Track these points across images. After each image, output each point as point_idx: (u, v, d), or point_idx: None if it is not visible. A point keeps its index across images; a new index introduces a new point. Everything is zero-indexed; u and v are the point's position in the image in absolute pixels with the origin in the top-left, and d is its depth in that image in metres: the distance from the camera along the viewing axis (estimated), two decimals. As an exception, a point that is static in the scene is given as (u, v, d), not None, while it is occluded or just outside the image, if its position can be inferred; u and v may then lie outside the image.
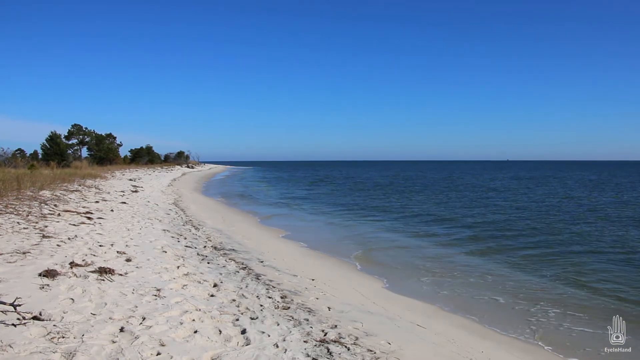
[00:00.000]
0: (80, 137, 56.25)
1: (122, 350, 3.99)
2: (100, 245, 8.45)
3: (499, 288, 8.88)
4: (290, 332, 5.12)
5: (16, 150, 44.69)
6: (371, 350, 4.90)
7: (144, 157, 70.78)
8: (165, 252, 9.00)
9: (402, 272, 10.10)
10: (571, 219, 18.88)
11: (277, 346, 4.62)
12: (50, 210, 11.71)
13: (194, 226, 14.05)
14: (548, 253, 12.26)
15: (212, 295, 6.39)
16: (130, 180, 32.25)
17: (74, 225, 10.24)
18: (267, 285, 7.53)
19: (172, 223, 13.89)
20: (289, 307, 6.28)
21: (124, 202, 17.10)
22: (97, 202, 15.79)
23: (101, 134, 59.38)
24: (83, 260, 7.06)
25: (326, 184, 48.26)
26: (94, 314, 4.83)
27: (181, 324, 4.90)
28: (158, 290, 6.10)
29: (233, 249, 10.83)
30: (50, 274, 5.86)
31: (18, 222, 9.27)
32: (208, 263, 8.78)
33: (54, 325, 4.31)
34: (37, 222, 9.70)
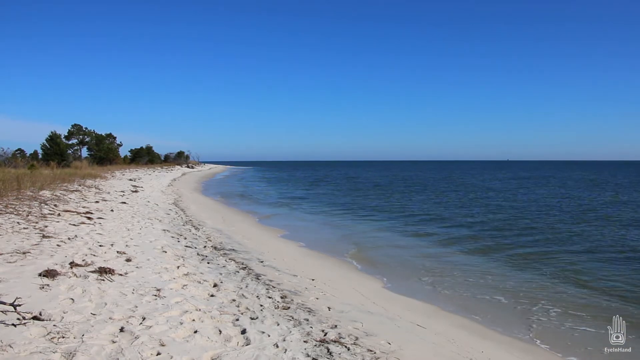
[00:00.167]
0: (80, 137, 56.27)
1: (122, 350, 3.99)
2: (100, 245, 8.45)
3: (499, 288, 8.88)
4: (290, 332, 5.12)
5: (16, 150, 44.75)
6: (371, 350, 4.90)
7: (144, 157, 70.81)
8: (165, 252, 9.00)
9: (402, 272, 10.10)
10: (571, 219, 18.88)
11: (277, 346, 4.62)
12: (50, 210, 11.71)
13: (194, 226, 14.05)
14: (548, 253, 12.26)
15: (212, 295, 6.39)
16: (130, 180, 32.25)
17: (74, 225, 10.24)
18: (267, 285, 7.53)
19: (172, 223, 13.88)
20: (289, 307, 6.28)
21: (124, 202, 17.10)
22: (97, 202, 15.79)
23: (101, 134, 59.43)
24: (83, 260, 7.06)
25: (326, 183, 48.27)
26: (94, 314, 4.82)
27: (181, 324, 4.90)
28: (158, 290, 6.10)
29: (233, 249, 10.83)
30: (50, 274, 5.86)
31: (18, 222, 9.27)
32: (208, 263, 8.78)
33: (54, 325, 4.31)
34: (37, 222, 9.70)
